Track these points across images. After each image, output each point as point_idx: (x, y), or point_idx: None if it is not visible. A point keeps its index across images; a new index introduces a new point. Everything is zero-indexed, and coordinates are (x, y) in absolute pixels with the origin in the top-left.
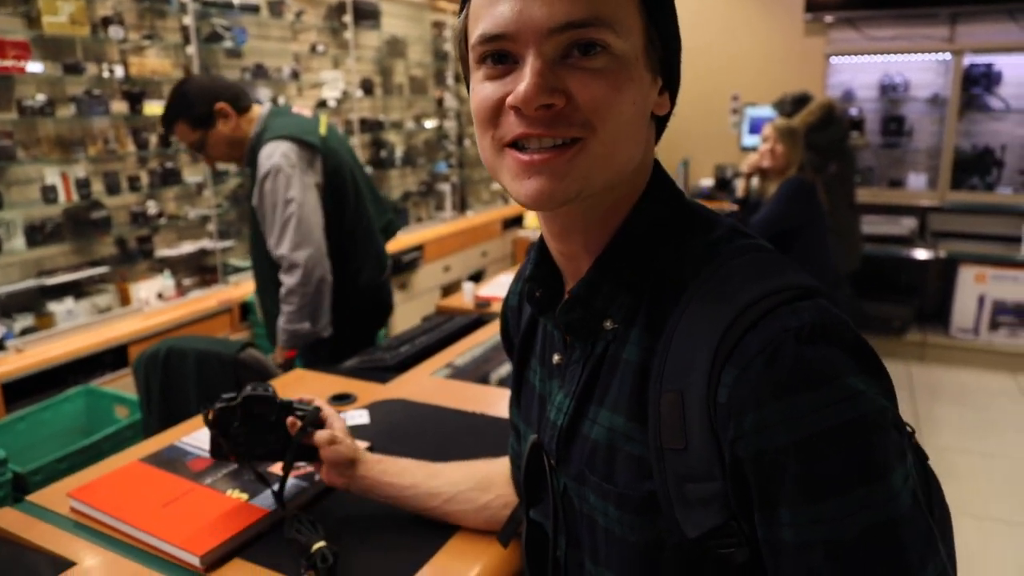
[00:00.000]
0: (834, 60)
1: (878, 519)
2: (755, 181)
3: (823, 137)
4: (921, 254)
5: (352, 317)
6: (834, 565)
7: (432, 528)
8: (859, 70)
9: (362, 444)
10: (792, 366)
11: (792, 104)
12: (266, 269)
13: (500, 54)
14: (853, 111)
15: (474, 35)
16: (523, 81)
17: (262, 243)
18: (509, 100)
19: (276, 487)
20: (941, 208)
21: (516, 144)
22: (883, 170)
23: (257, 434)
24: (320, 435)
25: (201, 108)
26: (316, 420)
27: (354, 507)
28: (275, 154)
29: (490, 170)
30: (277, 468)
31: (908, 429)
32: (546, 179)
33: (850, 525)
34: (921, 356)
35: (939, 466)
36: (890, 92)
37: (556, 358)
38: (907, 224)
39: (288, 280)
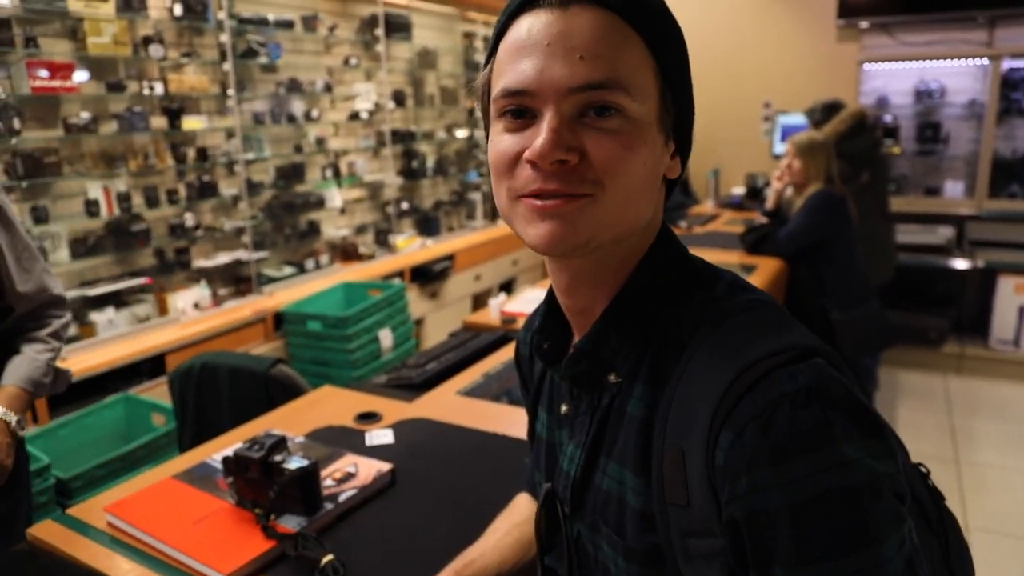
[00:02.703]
0: (868, 67)
1: None
2: (789, 192)
3: (854, 146)
4: (959, 264)
5: None
6: None
7: (447, 550)
8: (893, 76)
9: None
10: (786, 432)
11: (822, 111)
12: None
13: (520, 109)
14: (887, 118)
15: (496, 88)
16: (540, 136)
17: None
18: (526, 154)
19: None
20: (979, 216)
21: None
22: (918, 178)
23: (258, 487)
24: None
25: None
26: (309, 475)
27: (373, 530)
28: None
29: (504, 217)
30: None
31: (922, 470)
32: (558, 223)
33: None
34: (959, 368)
35: (977, 482)
36: (925, 98)
37: (564, 408)
38: (944, 233)
39: (66, 316)
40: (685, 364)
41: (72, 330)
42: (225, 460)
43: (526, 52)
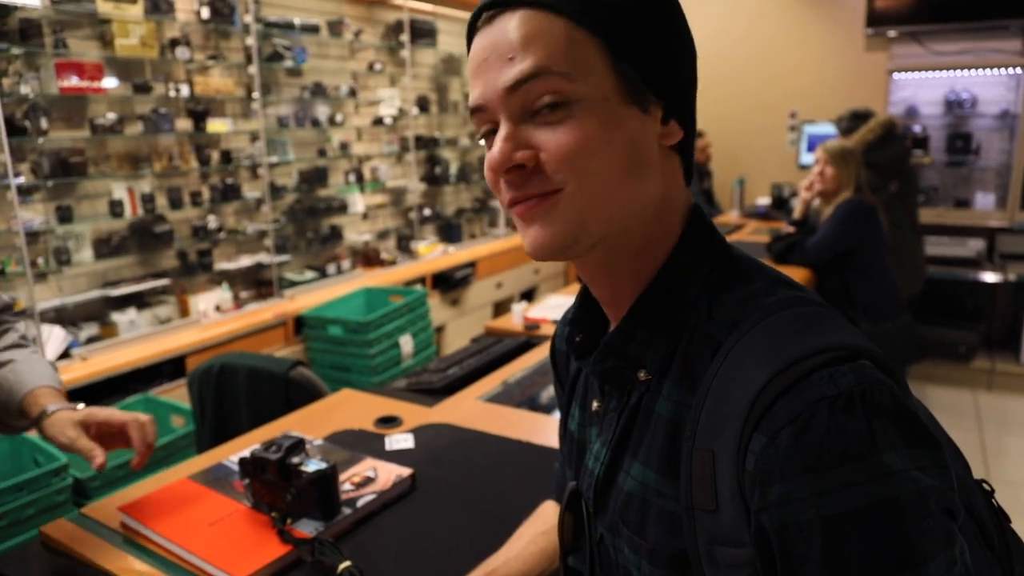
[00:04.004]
0: (897, 76)
1: None
2: (816, 202)
3: (882, 155)
4: (989, 277)
5: None
6: None
7: (468, 559)
8: (923, 86)
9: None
10: (823, 439)
11: (850, 120)
12: None
13: (490, 130)
14: (916, 128)
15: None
16: (495, 147)
17: None
18: (486, 169)
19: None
20: (1011, 229)
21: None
22: (948, 189)
23: (275, 490)
24: None
25: None
26: (327, 479)
27: (391, 537)
28: None
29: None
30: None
31: (986, 487)
32: (539, 228)
33: None
34: (989, 384)
35: (1008, 502)
36: (956, 108)
37: (595, 405)
38: (974, 246)
39: (20, 322)
40: (719, 363)
41: (94, 330)
42: (242, 461)
43: (475, 73)
